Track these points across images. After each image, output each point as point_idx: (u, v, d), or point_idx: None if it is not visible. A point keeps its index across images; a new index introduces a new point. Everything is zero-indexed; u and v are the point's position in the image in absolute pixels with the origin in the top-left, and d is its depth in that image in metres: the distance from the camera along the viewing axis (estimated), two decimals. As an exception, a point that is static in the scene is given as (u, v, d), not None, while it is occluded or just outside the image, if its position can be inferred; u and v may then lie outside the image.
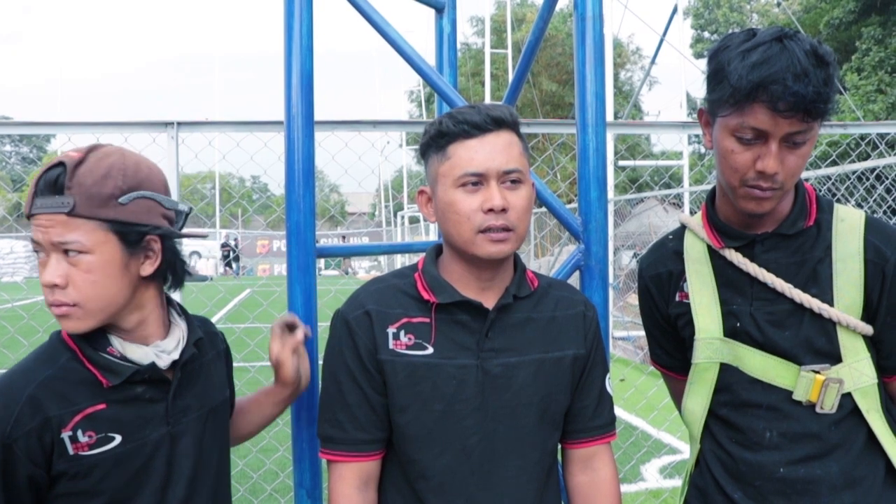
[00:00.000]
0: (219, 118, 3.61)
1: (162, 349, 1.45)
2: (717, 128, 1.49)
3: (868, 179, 5.32)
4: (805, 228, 1.56)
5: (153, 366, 1.42)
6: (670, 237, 1.77)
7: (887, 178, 5.36)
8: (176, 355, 1.46)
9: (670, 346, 1.79)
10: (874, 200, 5.62)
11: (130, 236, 1.39)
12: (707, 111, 1.54)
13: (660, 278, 1.74)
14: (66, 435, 1.34)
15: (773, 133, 1.41)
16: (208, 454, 1.54)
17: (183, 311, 1.57)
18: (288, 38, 1.87)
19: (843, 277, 1.53)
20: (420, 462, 1.51)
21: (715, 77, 1.47)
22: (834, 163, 5.45)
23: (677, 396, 1.84)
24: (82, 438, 1.35)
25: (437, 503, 1.50)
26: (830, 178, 5.40)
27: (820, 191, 5.80)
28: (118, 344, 1.42)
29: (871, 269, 1.52)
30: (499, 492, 1.51)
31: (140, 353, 1.42)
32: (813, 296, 1.52)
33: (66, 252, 1.34)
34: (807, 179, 6.34)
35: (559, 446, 1.65)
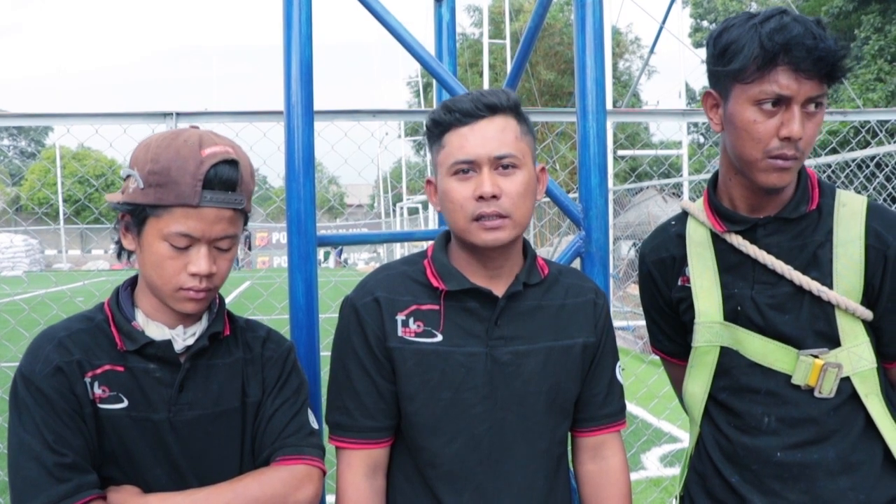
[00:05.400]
0: (217, 109, 3.61)
1: (178, 333, 1.46)
2: (733, 102, 1.49)
3: (868, 167, 5.31)
4: (807, 213, 1.57)
5: (168, 343, 1.43)
6: (672, 222, 1.77)
7: (887, 166, 5.35)
8: (191, 341, 1.46)
9: (672, 331, 1.79)
10: (874, 188, 5.61)
11: (244, 227, 1.51)
12: (718, 89, 1.54)
13: (663, 263, 1.74)
14: (88, 379, 1.39)
15: (796, 97, 1.42)
16: (220, 457, 1.49)
17: (220, 308, 1.54)
18: (287, 27, 1.86)
19: (844, 262, 1.53)
20: (429, 450, 1.51)
21: (728, 52, 1.47)
22: (834, 151, 5.44)
23: (678, 383, 1.84)
24: (97, 390, 1.39)
25: (446, 491, 1.51)
26: (830, 166, 5.40)
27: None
28: (141, 319, 1.46)
29: (872, 254, 1.52)
30: (508, 480, 1.51)
31: (158, 332, 1.45)
32: (813, 279, 1.53)
33: (213, 243, 1.40)
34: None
35: (569, 435, 1.65)
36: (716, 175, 1.67)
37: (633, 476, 4.96)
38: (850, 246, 1.53)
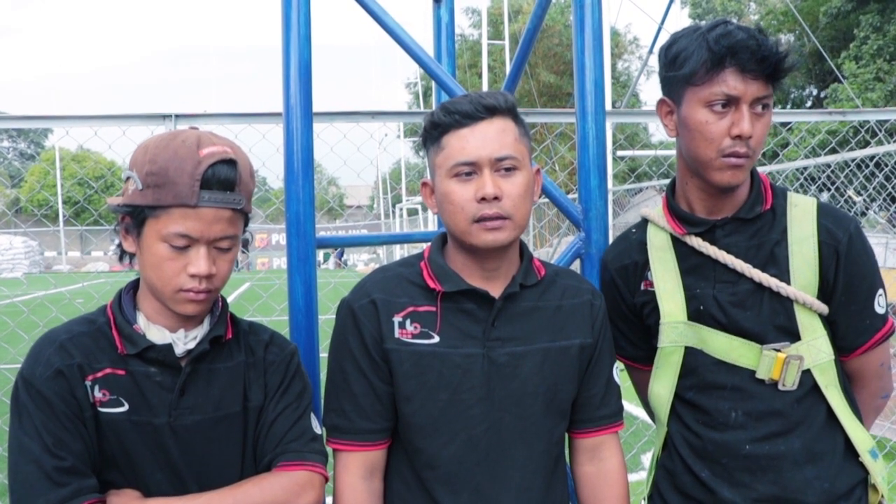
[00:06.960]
0: (216, 111, 3.61)
1: (179, 337, 1.45)
2: (685, 106, 1.58)
3: (868, 167, 5.31)
4: (762, 213, 1.64)
5: (169, 347, 1.42)
6: (633, 230, 1.82)
7: (886, 166, 5.35)
8: (192, 345, 1.45)
9: (635, 336, 1.83)
10: (874, 188, 5.61)
11: (245, 228, 1.49)
12: (671, 96, 1.62)
13: (626, 270, 1.79)
14: (88, 383, 1.38)
15: (744, 97, 1.51)
16: (221, 462, 1.48)
17: (223, 311, 1.53)
18: (286, 28, 1.86)
19: (799, 259, 1.60)
20: (426, 451, 1.52)
21: (678, 58, 1.57)
22: (833, 151, 5.44)
23: (641, 388, 1.87)
24: (98, 394, 1.39)
25: (444, 492, 1.51)
26: (830, 167, 5.39)
27: (819, 179, 5.79)
28: (143, 322, 1.45)
29: (825, 250, 1.60)
30: (506, 481, 1.52)
31: (159, 335, 1.44)
32: (772, 276, 1.59)
33: (213, 244, 1.39)
34: (806, 168, 6.33)
35: (566, 436, 1.65)
36: (673, 181, 1.73)
37: (634, 476, 4.95)
38: (805, 243, 1.60)
